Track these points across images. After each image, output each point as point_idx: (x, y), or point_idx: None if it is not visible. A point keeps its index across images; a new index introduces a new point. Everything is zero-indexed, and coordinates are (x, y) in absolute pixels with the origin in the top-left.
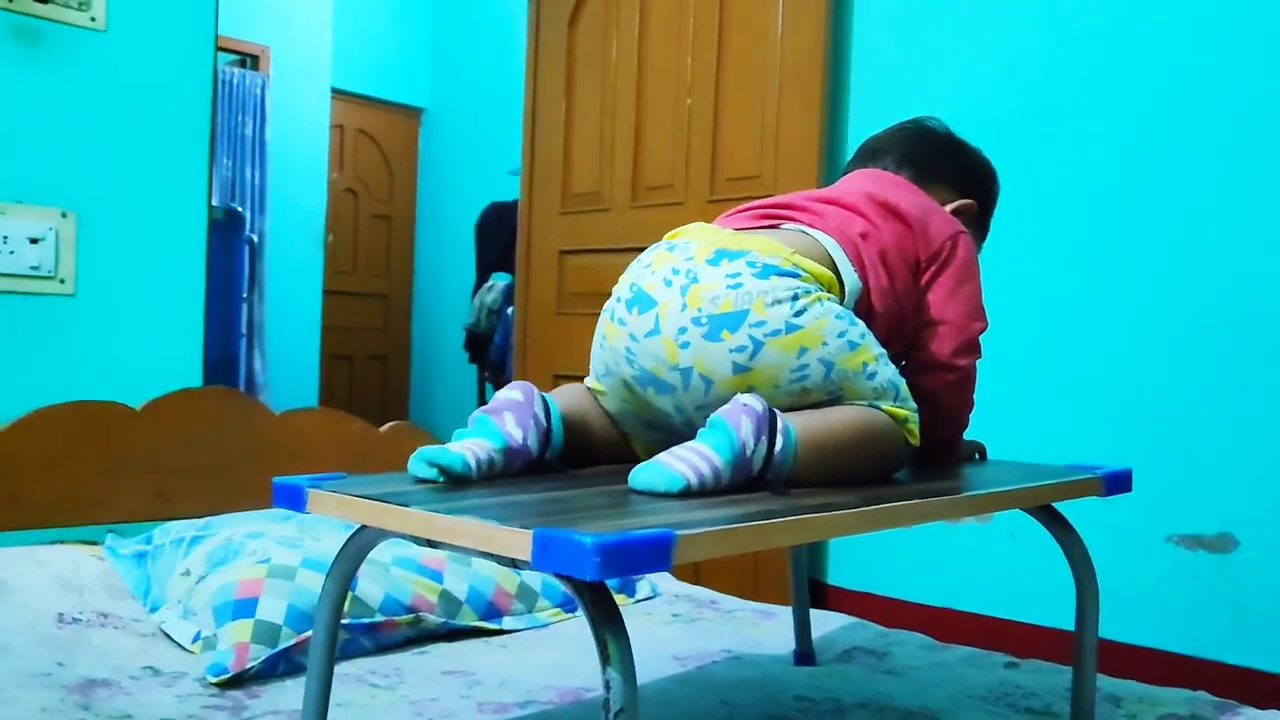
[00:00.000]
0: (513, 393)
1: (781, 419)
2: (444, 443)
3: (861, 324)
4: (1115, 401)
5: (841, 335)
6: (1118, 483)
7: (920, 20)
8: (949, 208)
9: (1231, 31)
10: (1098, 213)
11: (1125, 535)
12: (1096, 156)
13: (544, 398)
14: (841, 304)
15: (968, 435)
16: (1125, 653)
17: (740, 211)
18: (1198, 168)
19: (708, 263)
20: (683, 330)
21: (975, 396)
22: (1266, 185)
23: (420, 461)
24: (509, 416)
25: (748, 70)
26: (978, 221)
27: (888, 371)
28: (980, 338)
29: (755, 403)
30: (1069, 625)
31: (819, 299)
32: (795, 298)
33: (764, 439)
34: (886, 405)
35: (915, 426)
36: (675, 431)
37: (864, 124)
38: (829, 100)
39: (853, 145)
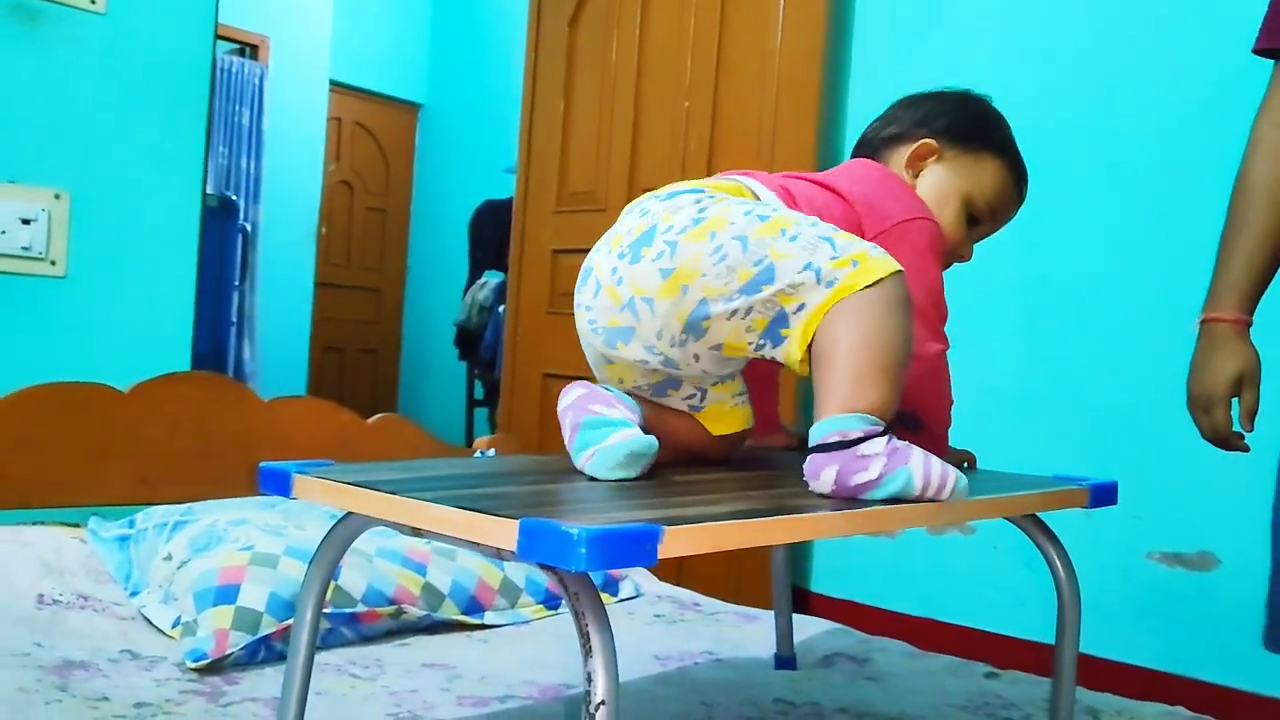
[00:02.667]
0: (575, 390)
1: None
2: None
3: (776, 205)
4: (1099, 417)
5: (749, 214)
6: (1103, 495)
7: (918, 30)
8: (907, 154)
9: (1214, 40)
10: (1086, 226)
11: (1106, 551)
12: (1088, 169)
13: (601, 385)
14: None
15: (957, 444)
16: (1103, 668)
17: None
18: (1188, 184)
19: (625, 213)
20: (614, 270)
21: (954, 394)
22: None
23: (610, 463)
24: (598, 408)
25: (746, 75)
26: (954, 148)
27: (812, 231)
28: (943, 326)
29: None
30: (1048, 639)
31: (719, 200)
32: (698, 201)
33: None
34: (829, 263)
35: (874, 264)
36: (667, 385)
37: (860, 132)
38: (825, 108)
39: (848, 153)
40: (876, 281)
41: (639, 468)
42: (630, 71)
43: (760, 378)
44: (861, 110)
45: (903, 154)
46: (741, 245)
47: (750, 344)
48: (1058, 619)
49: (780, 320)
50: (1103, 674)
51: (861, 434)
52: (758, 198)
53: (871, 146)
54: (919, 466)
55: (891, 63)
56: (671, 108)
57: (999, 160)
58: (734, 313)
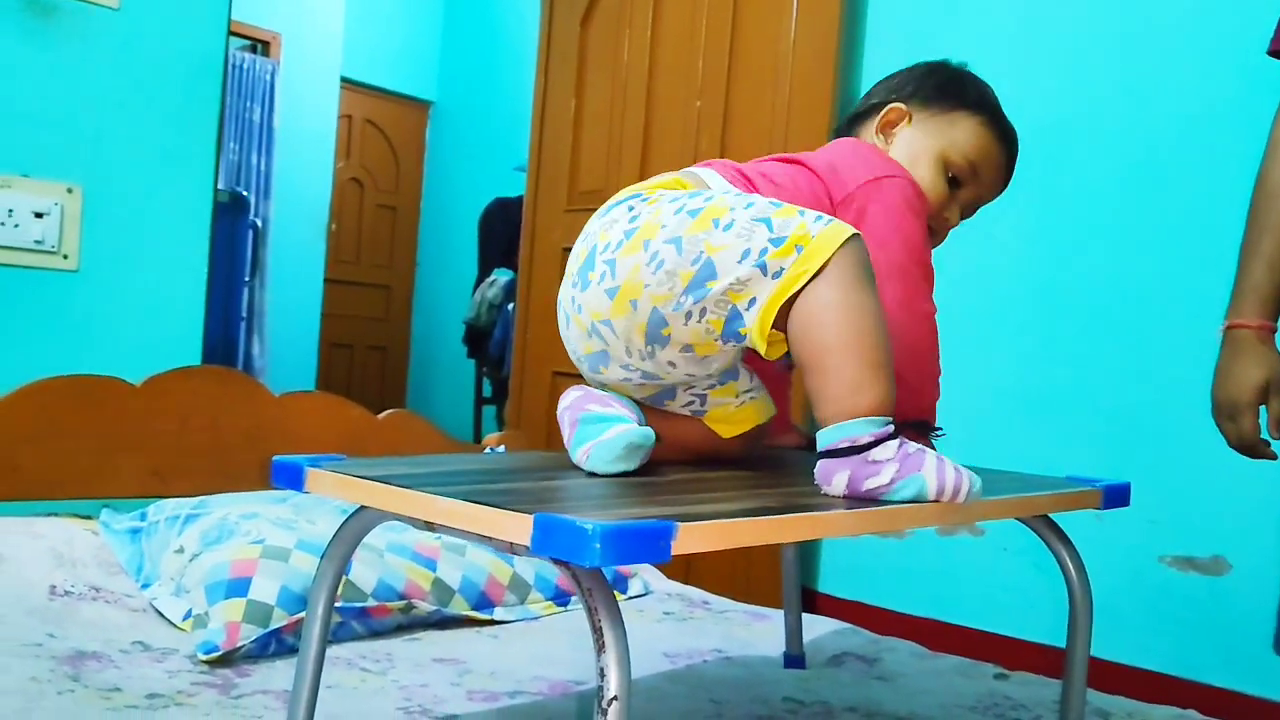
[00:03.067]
0: (573, 393)
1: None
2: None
3: (709, 194)
4: (1113, 419)
5: (679, 211)
6: (1116, 496)
7: (931, 29)
8: (876, 121)
9: (1231, 42)
10: (1101, 227)
11: (1118, 553)
12: (1103, 170)
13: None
14: None
15: (971, 445)
16: (1113, 671)
17: None
18: (1204, 185)
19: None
20: (573, 300)
21: (942, 366)
22: None
23: (609, 456)
24: (595, 407)
25: (758, 75)
26: (924, 109)
27: (747, 214)
28: (930, 287)
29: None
30: (1058, 641)
31: (653, 202)
32: (631, 209)
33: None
34: (771, 250)
35: (818, 244)
36: (663, 396)
37: None
38: (839, 108)
39: None
40: (826, 262)
41: (637, 460)
42: (642, 70)
43: (771, 377)
44: None
45: (874, 123)
46: (675, 247)
47: (716, 342)
48: (1069, 621)
49: (735, 318)
50: (1113, 677)
51: (871, 438)
52: (709, 187)
53: (848, 123)
54: (932, 473)
55: (905, 62)
56: (683, 107)
57: (974, 116)
58: (688, 315)
